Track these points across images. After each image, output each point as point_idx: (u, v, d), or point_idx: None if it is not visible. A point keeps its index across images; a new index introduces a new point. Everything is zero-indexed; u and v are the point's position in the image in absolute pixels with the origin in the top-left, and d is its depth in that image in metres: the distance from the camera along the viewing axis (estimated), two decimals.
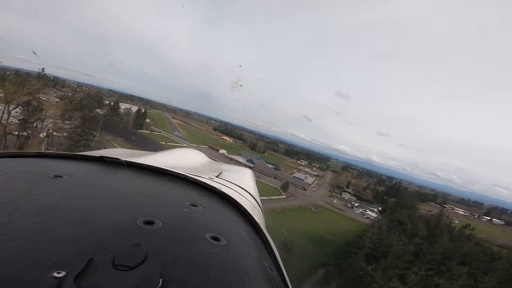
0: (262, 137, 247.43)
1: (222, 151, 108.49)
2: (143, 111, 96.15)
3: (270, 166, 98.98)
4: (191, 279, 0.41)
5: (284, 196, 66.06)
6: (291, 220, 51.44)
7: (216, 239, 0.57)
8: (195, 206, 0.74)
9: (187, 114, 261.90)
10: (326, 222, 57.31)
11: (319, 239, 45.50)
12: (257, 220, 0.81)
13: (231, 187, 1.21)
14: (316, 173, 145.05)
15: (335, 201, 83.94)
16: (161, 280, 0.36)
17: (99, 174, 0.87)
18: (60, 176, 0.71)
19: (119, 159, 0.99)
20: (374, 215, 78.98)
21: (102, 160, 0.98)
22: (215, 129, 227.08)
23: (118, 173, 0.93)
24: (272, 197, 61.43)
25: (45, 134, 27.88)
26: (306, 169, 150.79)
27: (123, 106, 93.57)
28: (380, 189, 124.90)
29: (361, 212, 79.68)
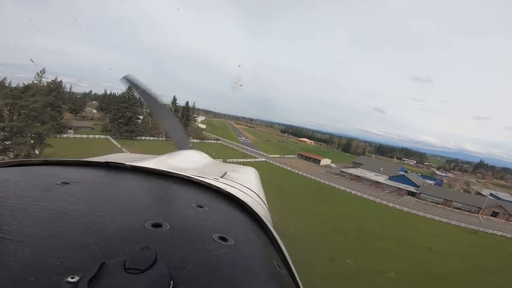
0: (331, 136, 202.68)
1: (325, 161, 68.57)
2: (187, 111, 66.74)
3: (429, 181, 52.27)
4: (201, 280, 0.42)
5: None
6: None
7: (224, 239, 0.57)
8: (202, 207, 0.74)
9: (250, 120, 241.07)
10: None
11: None
12: (264, 219, 0.81)
13: (236, 187, 1.21)
14: (476, 181, 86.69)
15: None
16: (172, 282, 0.37)
17: (105, 180, 0.87)
18: (67, 183, 0.72)
19: (124, 164, 1.00)
20: None
21: (107, 166, 0.99)
22: (283, 132, 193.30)
23: (124, 178, 0.94)
24: None
25: None
26: (449, 175, 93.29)
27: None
28: None
29: None
